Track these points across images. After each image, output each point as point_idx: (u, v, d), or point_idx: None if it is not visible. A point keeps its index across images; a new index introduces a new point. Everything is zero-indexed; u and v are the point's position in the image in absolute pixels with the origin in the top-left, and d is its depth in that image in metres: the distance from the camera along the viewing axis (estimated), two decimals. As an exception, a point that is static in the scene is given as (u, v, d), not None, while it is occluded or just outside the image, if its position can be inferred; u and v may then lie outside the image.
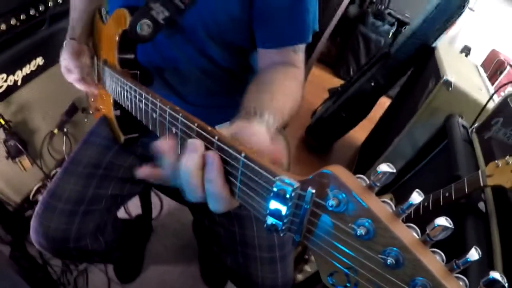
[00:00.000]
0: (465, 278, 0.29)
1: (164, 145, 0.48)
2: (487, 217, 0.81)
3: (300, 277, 1.35)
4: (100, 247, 0.95)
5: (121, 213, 1.63)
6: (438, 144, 1.24)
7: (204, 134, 0.50)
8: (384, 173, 0.33)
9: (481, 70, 1.83)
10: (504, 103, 1.05)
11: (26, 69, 1.24)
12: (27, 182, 1.43)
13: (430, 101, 1.47)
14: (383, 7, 3.18)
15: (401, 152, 1.60)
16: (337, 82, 3.17)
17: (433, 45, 1.78)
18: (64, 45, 0.91)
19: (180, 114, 0.54)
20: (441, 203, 0.88)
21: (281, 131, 1.29)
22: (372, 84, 2.00)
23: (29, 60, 1.24)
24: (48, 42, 1.26)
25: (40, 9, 1.20)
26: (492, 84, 2.36)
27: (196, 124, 0.51)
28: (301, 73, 0.80)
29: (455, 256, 0.29)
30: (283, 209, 0.39)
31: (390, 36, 3.10)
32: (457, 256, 0.29)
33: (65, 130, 1.48)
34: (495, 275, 0.28)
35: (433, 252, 0.30)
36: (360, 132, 2.47)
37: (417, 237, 0.31)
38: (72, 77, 0.90)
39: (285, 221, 0.39)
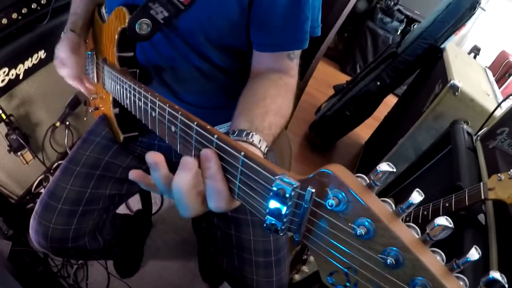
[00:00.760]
0: (465, 278, 0.29)
1: (157, 157, 0.47)
2: (486, 230, 0.81)
3: (297, 277, 1.35)
4: (99, 245, 0.96)
5: (122, 208, 1.64)
6: (441, 149, 1.23)
7: (203, 132, 0.49)
8: (384, 172, 0.32)
9: (490, 73, 1.80)
10: (510, 113, 1.03)
11: (28, 63, 1.23)
12: (29, 175, 1.44)
13: (435, 105, 1.45)
14: (392, 3, 3.13)
15: (403, 154, 1.58)
16: (343, 78, 3.14)
17: (442, 46, 1.75)
18: (62, 35, 0.90)
19: (180, 113, 0.53)
20: (441, 213, 0.87)
21: (282, 131, 1.28)
22: (378, 83, 1.98)
23: (31, 54, 1.23)
24: (50, 36, 1.25)
25: (42, 2, 1.19)
26: (500, 86, 2.33)
27: (195, 123, 0.51)
28: (293, 82, 0.79)
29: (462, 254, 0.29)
30: (283, 209, 0.38)
31: (398, 33, 3.06)
32: (465, 254, 0.29)
33: (67, 123, 1.49)
34: (495, 274, 0.28)
35: (433, 251, 0.30)
36: (364, 130, 2.46)
37: (417, 236, 0.31)
38: (65, 72, 0.89)
39: (284, 220, 0.39)
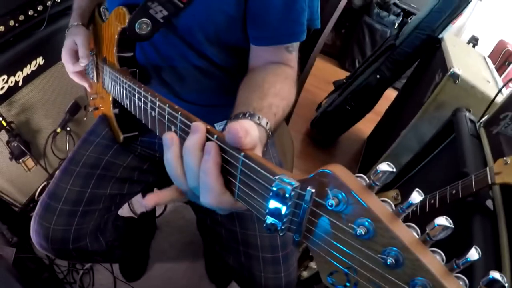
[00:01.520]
0: (465, 278, 0.29)
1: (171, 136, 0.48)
2: (495, 215, 0.80)
3: (305, 274, 1.35)
4: (101, 247, 0.95)
5: (126, 212, 1.64)
6: (445, 138, 1.22)
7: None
8: (384, 172, 0.32)
9: (489, 61, 1.79)
10: (512, 97, 1.03)
11: (27, 70, 1.23)
12: (31, 182, 1.43)
13: (436, 94, 1.44)
14: (388, -3, 3.13)
15: (407, 146, 1.57)
16: (342, 74, 3.13)
17: (440, 36, 1.74)
18: (70, 28, 0.91)
19: (179, 113, 0.54)
20: (448, 201, 0.86)
21: (284, 127, 1.28)
22: (378, 76, 1.97)
23: (29, 61, 1.23)
24: (47, 42, 1.25)
25: (39, 9, 1.19)
26: (500, 75, 2.32)
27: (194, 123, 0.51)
28: (293, 72, 0.79)
29: (462, 254, 0.29)
30: (283, 209, 0.38)
31: (395, 27, 3.05)
32: (464, 254, 0.29)
33: (68, 128, 1.48)
34: (495, 274, 0.27)
35: (433, 251, 0.30)
36: (366, 125, 2.45)
37: (417, 236, 0.31)
38: (76, 67, 0.89)
39: (284, 220, 0.39)
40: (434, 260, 0.29)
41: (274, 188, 0.38)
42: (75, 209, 0.87)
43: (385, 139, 1.91)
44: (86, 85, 0.97)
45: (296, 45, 0.82)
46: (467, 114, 1.18)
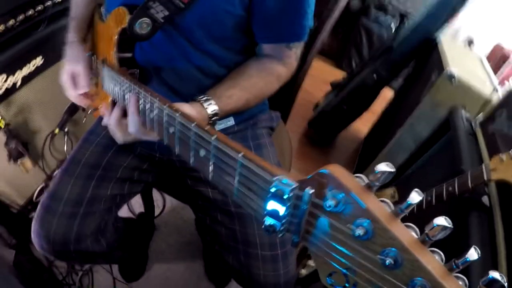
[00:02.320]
0: (464, 278, 0.29)
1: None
2: (491, 212, 0.81)
3: (304, 272, 1.35)
4: (102, 248, 0.95)
5: (125, 212, 1.63)
6: (441, 137, 1.23)
7: (201, 134, 0.50)
8: (383, 172, 0.32)
9: (485, 61, 1.80)
10: (508, 95, 1.04)
11: (26, 70, 1.23)
12: (30, 184, 1.43)
13: (433, 93, 1.46)
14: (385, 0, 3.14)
15: (403, 145, 1.58)
16: (339, 75, 3.13)
17: (436, 37, 1.75)
18: (69, 49, 0.90)
19: (178, 114, 0.54)
20: (444, 198, 0.87)
21: (282, 127, 1.28)
22: (375, 76, 1.98)
23: (28, 60, 1.23)
24: (47, 42, 1.25)
25: (38, 9, 1.19)
26: (496, 76, 2.33)
27: (193, 124, 0.51)
28: (283, 70, 0.85)
29: (458, 252, 0.29)
30: (281, 210, 0.39)
31: (393, 29, 3.06)
32: (461, 252, 0.29)
33: (66, 129, 1.48)
34: (495, 274, 0.28)
35: (432, 252, 0.30)
36: (363, 125, 2.45)
37: (416, 237, 0.31)
38: (77, 92, 0.89)
39: (283, 221, 0.39)
40: (433, 261, 0.29)
41: (273, 189, 0.38)
42: (76, 210, 0.86)
43: (382, 138, 1.92)
44: (86, 105, 0.96)
45: (297, 43, 0.84)
46: (463, 112, 1.19)
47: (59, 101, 1.44)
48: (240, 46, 0.87)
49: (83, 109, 1.52)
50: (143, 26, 0.75)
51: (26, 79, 1.25)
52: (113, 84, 0.81)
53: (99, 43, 0.93)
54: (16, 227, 1.32)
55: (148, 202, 1.55)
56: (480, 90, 1.40)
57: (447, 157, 1.13)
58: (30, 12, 1.16)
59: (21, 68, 1.21)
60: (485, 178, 0.79)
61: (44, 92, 1.36)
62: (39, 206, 0.88)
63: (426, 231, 0.30)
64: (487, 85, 1.51)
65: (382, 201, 0.33)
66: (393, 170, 0.32)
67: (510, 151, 0.77)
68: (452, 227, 0.29)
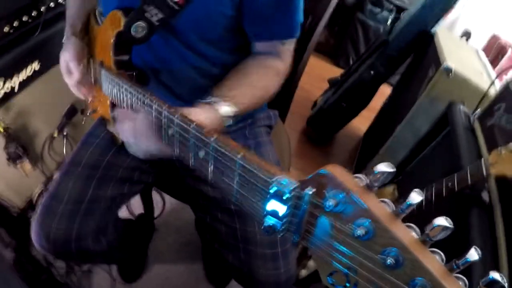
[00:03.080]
0: (464, 278, 0.29)
1: None
2: (491, 207, 0.81)
3: (304, 272, 1.35)
4: (102, 247, 0.95)
5: (124, 213, 1.63)
6: (440, 132, 1.23)
7: (200, 135, 0.50)
8: (383, 173, 0.33)
9: (482, 54, 1.80)
10: (505, 88, 1.04)
11: (23, 75, 1.23)
12: (29, 186, 1.43)
13: (430, 88, 1.46)
14: (380, -7, 3.14)
15: (402, 141, 1.59)
16: (337, 72, 3.13)
17: (432, 30, 1.75)
18: (65, 43, 0.90)
19: (177, 116, 0.54)
20: (444, 194, 0.87)
21: (280, 126, 1.28)
22: (372, 72, 1.98)
23: (25, 66, 1.23)
24: (43, 47, 1.25)
25: (33, 14, 1.19)
26: (494, 68, 2.33)
27: (192, 126, 0.51)
28: (281, 65, 0.84)
29: (459, 248, 0.29)
30: (282, 210, 0.39)
31: (388, 23, 3.06)
32: (462, 248, 0.29)
33: (65, 132, 1.48)
34: (495, 275, 0.28)
35: (433, 252, 0.30)
36: (362, 122, 2.45)
37: (417, 237, 0.31)
38: (72, 80, 0.89)
39: (283, 221, 0.39)
40: (434, 260, 0.29)
41: (273, 190, 0.38)
42: (77, 210, 0.87)
43: (381, 135, 1.92)
44: (88, 97, 0.96)
45: (291, 39, 0.84)
46: (461, 107, 1.19)
47: (58, 104, 1.44)
48: (234, 46, 0.87)
49: (82, 112, 1.52)
50: (138, 29, 0.75)
51: (23, 84, 1.25)
52: (111, 86, 0.81)
53: (96, 47, 0.93)
54: (16, 229, 1.32)
55: (148, 203, 1.55)
56: (477, 83, 1.40)
57: (446, 152, 1.13)
58: (25, 18, 1.16)
59: (18, 73, 1.21)
60: (484, 172, 0.79)
61: (42, 95, 1.36)
62: (39, 206, 0.88)
63: (427, 232, 0.30)
64: (485, 78, 1.51)
65: (382, 201, 0.33)
66: (393, 170, 0.32)
67: (509, 145, 0.77)
68: (452, 227, 0.29)
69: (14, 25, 1.13)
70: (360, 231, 0.32)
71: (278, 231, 0.40)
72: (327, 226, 0.36)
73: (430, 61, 1.61)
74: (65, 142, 1.49)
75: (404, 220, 0.32)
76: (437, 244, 0.30)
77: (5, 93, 1.18)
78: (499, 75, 1.26)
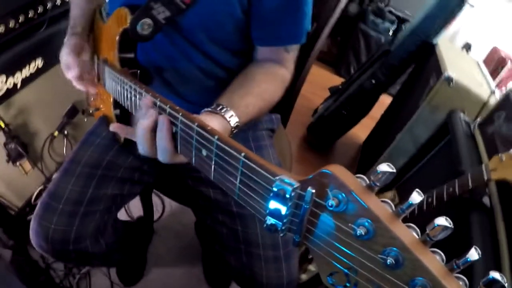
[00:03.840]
0: (465, 278, 0.29)
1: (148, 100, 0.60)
2: (492, 212, 0.81)
3: (304, 276, 1.34)
4: (101, 249, 0.94)
5: (123, 215, 1.63)
6: (440, 140, 1.24)
7: (204, 133, 0.50)
8: (384, 173, 0.33)
9: (482, 65, 1.82)
10: (506, 97, 1.04)
11: (26, 71, 1.23)
12: (28, 186, 1.42)
13: (431, 97, 1.46)
14: (383, 5, 3.17)
15: (403, 149, 1.59)
16: (338, 80, 3.16)
17: (434, 41, 1.77)
18: (65, 41, 0.91)
19: (180, 114, 0.54)
20: (445, 199, 0.87)
21: (282, 131, 1.28)
22: (373, 81, 1.99)
23: (28, 62, 1.23)
24: (47, 44, 1.26)
25: (39, 11, 1.19)
26: (494, 80, 2.35)
27: (196, 124, 0.51)
28: (285, 73, 0.85)
29: (460, 252, 0.29)
30: (283, 209, 0.39)
31: (390, 34, 3.09)
32: (462, 252, 0.29)
33: (65, 132, 1.48)
34: (495, 275, 0.28)
35: (433, 252, 0.30)
36: (362, 130, 2.46)
37: (417, 237, 0.31)
38: (71, 74, 0.89)
39: (284, 221, 0.39)
40: (434, 260, 0.29)
41: (275, 189, 0.38)
42: (76, 210, 0.86)
43: (381, 144, 1.92)
44: (89, 90, 0.95)
45: (295, 46, 0.85)
46: (462, 115, 1.20)
47: (59, 103, 1.44)
48: (241, 48, 0.87)
49: (83, 112, 1.53)
50: (144, 26, 0.75)
51: (26, 81, 1.25)
52: (115, 83, 0.81)
53: (100, 44, 0.94)
54: (14, 228, 1.31)
55: (147, 206, 1.54)
56: (478, 93, 1.41)
57: (446, 160, 1.13)
58: (31, 13, 1.16)
59: (21, 70, 1.21)
60: (485, 178, 0.80)
61: (44, 94, 1.36)
62: (38, 205, 0.87)
63: (427, 231, 0.30)
64: (485, 88, 1.52)
65: (383, 201, 0.33)
66: (393, 170, 0.32)
67: (510, 151, 0.78)
68: (452, 227, 0.30)
69: (20, 20, 1.13)
70: (360, 231, 0.32)
71: (280, 230, 0.40)
72: (328, 226, 0.36)
73: (431, 70, 1.62)
74: (65, 142, 1.49)
75: (404, 223, 0.32)
76: (439, 249, 0.31)
77: (8, 89, 1.18)
78: (498, 85, 1.27)
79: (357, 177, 0.35)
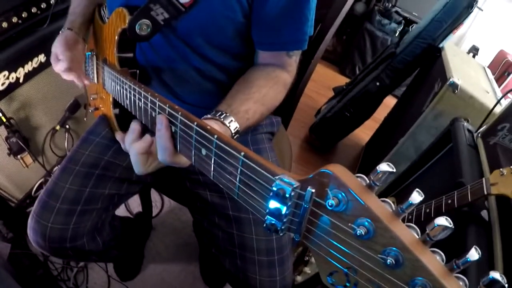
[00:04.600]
0: (464, 278, 0.29)
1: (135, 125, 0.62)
2: (489, 226, 0.80)
3: (299, 278, 1.34)
4: (97, 246, 0.95)
5: (122, 211, 1.64)
6: (442, 147, 1.22)
7: (203, 133, 0.50)
8: (384, 172, 0.32)
9: (489, 72, 1.80)
10: (510, 108, 1.03)
11: (28, 66, 1.23)
12: (29, 179, 1.43)
13: (435, 103, 1.45)
14: (390, 5, 3.14)
15: (404, 154, 1.58)
16: (342, 80, 3.14)
17: (440, 45, 1.75)
18: (60, 33, 0.91)
19: (180, 113, 0.54)
20: (443, 210, 0.87)
21: (283, 132, 1.27)
22: (378, 84, 1.98)
23: (31, 58, 1.23)
24: (50, 40, 1.22)
25: (42, 6, 1.19)
26: (500, 85, 2.33)
27: (195, 123, 0.51)
28: (287, 77, 0.84)
29: (462, 254, 0.29)
30: (283, 209, 0.39)
31: (396, 34, 3.06)
32: (464, 254, 0.29)
33: (67, 126, 1.49)
34: (495, 275, 0.28)
35: (433, 252, 0.30)
36: (364, 132, 2.46)
37: (417, 237, 0.31)
38: (59, 66, 0.88)
39: (284, 220, 0.39)
40: (434, 260, 0.29)
41: (274, 188, 0.38)
42: (73, 208, 0.86)
43: (383, 147, 1.91)
44: (78, 81, 0.93)
45: (297, 51, 0.84)
46: (465, 124, 1.18)
47: (61, 98, 1.45)
48: (241, 52, 0.87)
49: (85, 107, 1.53)
50: (143, 27, 0.76)
51: (28, 76, 1.25)
52: (114, 83, 0.81)
53: (100, 43, 0.94)
54: (14, 221, 1.32)
55: (146, 202, 1.55)
56: (483, 101, 1.39)
57: (447, 169, 1.12)
58: (34, 9, 1.17)
59: (23, 65, 1.21)
60: (485, 192, 0.79)
61: (46, 89, 1.37)
62: (36, 203, 0.87)
63: (427, 231, 0.30)
64: (490, 96, 1.51)
65: (383, 201, 0.33)
66: (394, 170, 0.32)
67: (511, 166, 0.77)
68: (453, 227, 0.29)
69: (23, 16, 1.13)
70: (360, 230, 0.32)
71: (279, 230, 0.39)
72: (327, 225, 0.36)
73: (437, 75, 1.61)
74: (67, 136, 1.50)
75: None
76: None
77: (10, 83, 1.18)
78: (505, 95, 1.26)
79: (357, 176, 0.35)
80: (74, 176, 0.88)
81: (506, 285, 0.27)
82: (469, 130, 1.16)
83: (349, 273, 0.34)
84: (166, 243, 1.63)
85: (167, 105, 0.57)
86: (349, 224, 0.33)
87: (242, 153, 0.43)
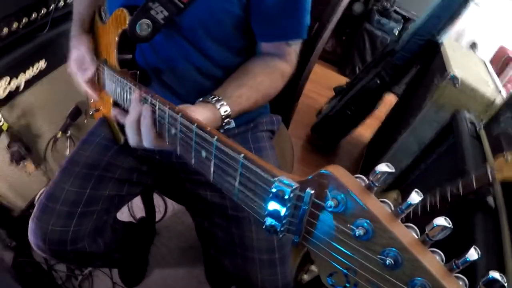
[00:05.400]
0: (464, 278, 0.29)
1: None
2: (496, 213, 0.79)
3: (306, 277, 1.33)
4: (99, 249, 0.94)
5: (126, 216, 1.63)
6: (444, 140, 1.22)
7: (203, 134, 0.50)
8: (383, 173, 0.32)
9: (489, 65, 1.80)
10: (512, 97, 1.03)
11: (29, 73, 1.23)
12: (31, 187, 1.43)
13: (436, 97, 1.45)
14: (388, 4, 3.15)
15: (407, 149, 1.57)
16: (343, 80, 3.14)
17: (439, 41, 1.75)
18: (75, 38, 0.91)
19: (180, 114, 0.54)
20: (449, 200, 0.86)
21: (284, 132, 1.27)
22: (378, 81, 1.98)
23: (31, 64, 1.23)
24: (50, 45, 1.26)
25: (42, 12, 1.19)
26: (501, 80, 2.32)
27: (195, 125, 0.51)
28: (286, 66, 0.85)
29: (461, 254, 0.29)
30: (282, 210, 0.39)
31: (396, 33, 3.07)
32: (464, 254, 0.29)
33: (68, 133, 1.49)
34: (495, 274, 0.27)
35: (433, 252, 0.30)
36: (366, 131, 2.45)
37: (416, 237, 0.31)
38: (86, 76, 0.88)
39: (283, 222, 0.39)
40: (433, 260, 0.29)
41: (274, 190, 0.38)
42: (73, 210, 0.86)
43: (385, 144, 1.91)
44: (94, 96, 0.94)
45: (297, 40, 0.85)
46: (467, 115, 1.18)
47: (62, 105, 1.45)
48: (240, 46, 0.87)
49: (86, 113, 1.53)
50: (143, 27, 0.76)
51: (29, 83, 1.25)
52: (115, 85, 0.81)
53: (100, 45, 0.94)
54: (17, 230, 1.32)
55: (149, 207, 1.54)
56: (483, 92, 1.39)
57: (451, 160, 1.12)
58: (34, 15, 1.17)
59: (24, 71, 1.21)
60: (490, 178, 0.78)
61: (47, 95, 1.37)
62: (36, 206, 0.87)
63: (427, 231, 0.30)
64: (491, 87, 1.50)
65: (382, 201, 0.33)
66: (392, 170, 0.32)
67: (515, 151, 0.76)
68: (452, 227, 0.29)
69: (23, 22, 1.13)
70: (359, 231, 0.32)
71: (279, 231, 0.39)
72: (327, 227, 0.36)
73: (436, 70, 1.61)
74: (68, 143, 1.50)
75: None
76: (441, 249, 0.30)
77: (10, 91, 1.18)
78: (505, 84, 1.25)
79: (356, 177, 0.35)
80: (74, 177, 0.87)
81: (506, 285, 0.27)
82: (471, 122, 1.16)
83: (349, 273, 0.35)
84: (170, 248, 1.62)
85: (167, 107, 0.58)
86: (348, 225, 0.33)
87: (242, 155, 0.43)
